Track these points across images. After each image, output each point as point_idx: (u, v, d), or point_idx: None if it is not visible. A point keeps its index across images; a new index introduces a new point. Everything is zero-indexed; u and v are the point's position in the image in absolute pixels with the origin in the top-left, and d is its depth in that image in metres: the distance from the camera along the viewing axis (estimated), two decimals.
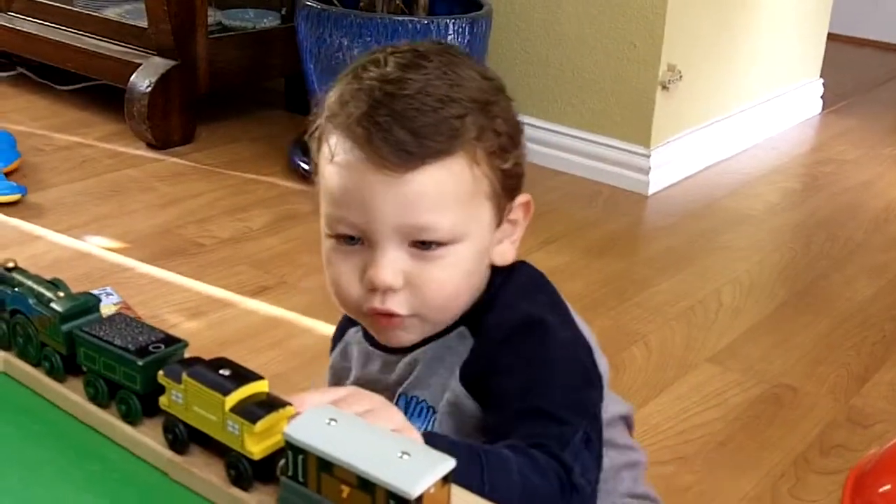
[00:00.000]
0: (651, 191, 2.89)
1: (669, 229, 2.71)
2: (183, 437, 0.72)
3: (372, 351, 1.04)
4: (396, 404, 0.99)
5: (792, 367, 2.08)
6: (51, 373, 0.81)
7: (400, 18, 2.63)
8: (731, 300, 2.34)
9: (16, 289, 0.82)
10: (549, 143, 3.00)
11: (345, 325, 1.10)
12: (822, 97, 3.73)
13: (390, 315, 0.94)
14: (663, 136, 2.92)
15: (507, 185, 0.96)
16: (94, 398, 0.78)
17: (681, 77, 2.87)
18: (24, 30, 3.26)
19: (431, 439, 0.77)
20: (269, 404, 0.70)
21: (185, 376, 0.71)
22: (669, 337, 2.16)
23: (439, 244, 0.92)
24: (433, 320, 0.96)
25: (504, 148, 0.95)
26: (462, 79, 0.93)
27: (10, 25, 3.30)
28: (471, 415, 0.96)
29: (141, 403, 0.75)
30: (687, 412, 1.91)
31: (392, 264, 0.92)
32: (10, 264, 0.85)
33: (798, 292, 2.41)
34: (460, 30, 2.63)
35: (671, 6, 2.78)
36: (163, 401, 0.73)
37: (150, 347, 0.75)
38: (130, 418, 0.75)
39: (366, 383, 1.02)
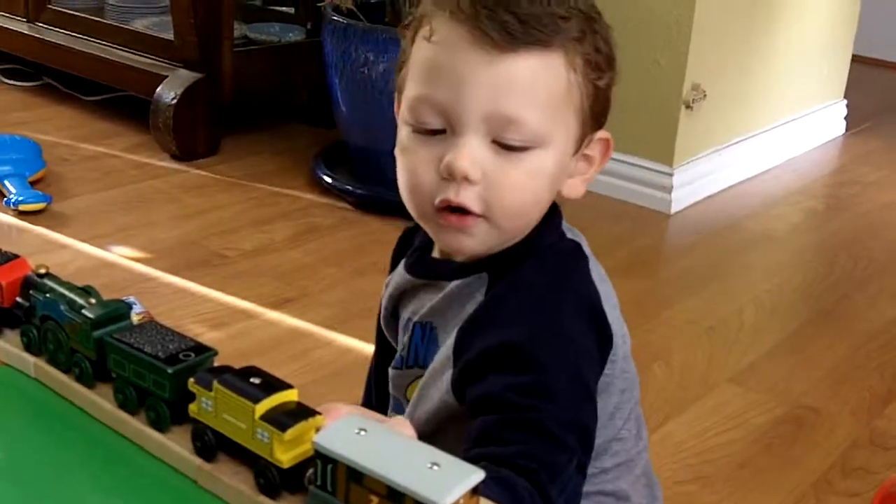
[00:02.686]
0: (674, 210, 2.88)
1: (692, 248, 2.71)
2: (212, 445, 0.73)
3: (404, 273, 1.03)
4: (412, 331, 0.99)
5: (814, 388, 2.07)
6: (80, 379, 0.81)
7: None
8: (754, 320, 2.33)
9: (47, 294, 0.83)
10: None
11: (399, 250, 1.09)
12: (845, 118, 3.72)
13: (461, 213, 0.91)
14: (687, 155, 2.92)
15: (595, 107, 0.94)
16: (124, 405, 0.78)
17: (705, 96, 2.87)
18: (51, 40, 3.29)
19: None
20: (299, 413, 0.70)
21: (216, 384, 0.71)
22: (691, 356, 2.16)
23: (523, 148, 0.89)
24: (502, 227, 0.93)
25: (600, 65, 0.92)
26: None
27: (38, 36, 3.33)
28: (445, 390, 0.94)
29: (170, 410, 0.75)
30: (708, 432, 1.90)
31: (473, 152, 0.89)
32: (43, 270, 0.85)
33: (820, 313, 2.40)
34: None
35: (696, 25, 2.78)
36: (192, 408, 0.73)
37: (180, 356, 0.76)
38: (159, 425, 0.76)
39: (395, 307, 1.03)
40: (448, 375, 0.93)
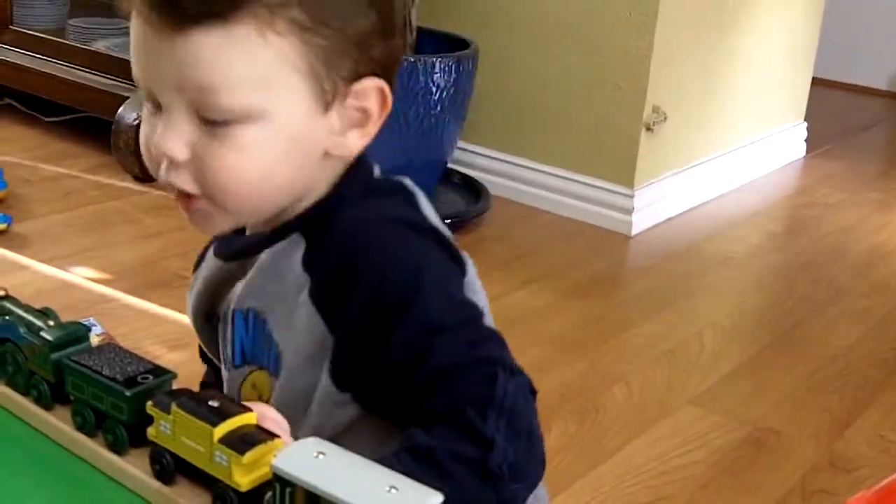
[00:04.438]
0: (634, 231, 2.90)
1: (651, 270, 2.73)
2: (170, 468, 0.73)
3: (213, 260, 0.97)
4: (233, 323, 0.93)
5: (774, 411, 2.08)
6: (39, 401, 0.81)
7: None
8: (713, 343, 2.35)
9: (6, 317, 0.82)
10: (532, 182, 3.02)
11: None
12: (806, 141, 3.76)
13: (185, 196, 0.87)
14: (647, 177, 2.94)
15: (336, 61, 0.85)
16: (82, 427, 0.78)
17: (665, 119, 2.90)
18: (13, 61, 3.27)
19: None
20: (258, 437, 0.70)
21: (174, 407, 0.71)
22: (651, 378, 2.17)
23: (227, 122, 0.83)
24: (231, 209, 0.88)
25: (321, 21, 0.83)
26: None
27: (1, 58, 3.31)
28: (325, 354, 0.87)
29: (128, 433, 0.75)
30: (668, 454, 1.91)
31: (175, 130, 0.84)
32: (1, 293, 0.85)
33: (780, 336, 2.42)
34: (446, 69, 2.65)
35: (657, 48, 2.81)
36: (150, 431, 0.73)
37: (139, 378, 0.76)
38: (117, 448, 0.76)
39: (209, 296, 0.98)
40: (327, 356, 0.86)
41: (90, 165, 3.03)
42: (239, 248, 0.94)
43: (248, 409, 0.71)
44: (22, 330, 0.81)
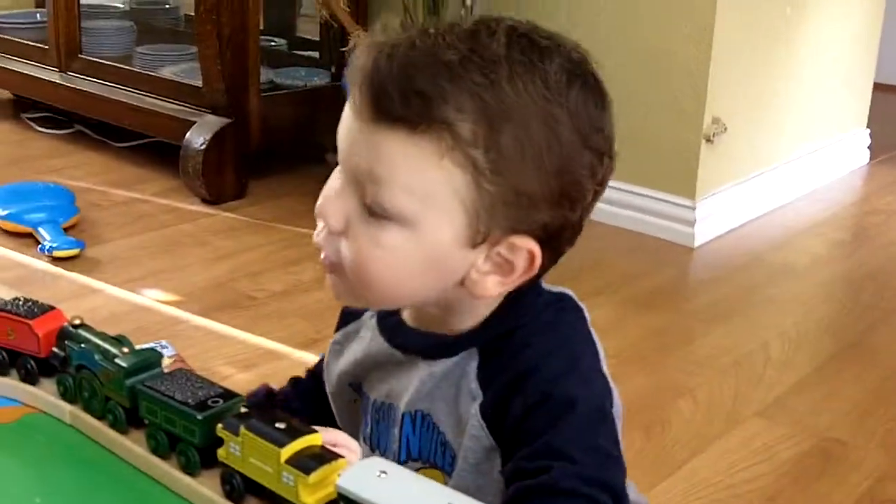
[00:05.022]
0: (697, 243, 2.90)
1: (715, 282, 2.72)
2: (240, 488, 0.75)
3: (378, 338, 1.00)
4: (401, 423, 0.97)
5: (841, 421, 2.07)
6: (114, 425, 0.84)
7: None
8: (779, 353, 2.34)
9: (82, 345, 0.86)
10: None
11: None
12: (869, 147, 3.72)
13: (328, 262, 0.91)
14: (708, 189, 2.94)
15: (499, 210, 0.87)
16: (156, 450, 0.81)
17: (725, 130, 2.89)
18: (83, 89, 3.35)
19: None
20: (323, 457, 0.73)
21: (242, 429, 0.74)
22: (717, 390, 2.17)
23: (383, 216, 0.87)
24: (358, 293, 0.92)
25: (495, 170, 0.85)
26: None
27: (69, 85, 3.40)
28: (494, 461, 0.92)
29: (199, 455, 0.78)
30: (735, 466, 1.91)
31: (342, 200, 0.89)
32: (77, 321, 0.89)
33: (847, 345, 2.40)
34: None
35: (715, 59, 2.80)
36: (221, 453, 0.76)
37: (209, 402, 0.79)
38: (189, 469, 0.79)
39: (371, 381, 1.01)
40: (496, 463, 0.92)
41: (160, 189, 3.10)
42: (413, 344, 0.98)
43: (314, 431, 0.74)
44: (97, 357, 0.84)
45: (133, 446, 0.82)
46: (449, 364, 0.94)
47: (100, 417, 0.85)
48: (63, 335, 0.89)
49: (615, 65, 2.93)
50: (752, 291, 2.67)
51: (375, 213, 0.87)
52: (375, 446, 1.00)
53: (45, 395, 0.89)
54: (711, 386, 2.18)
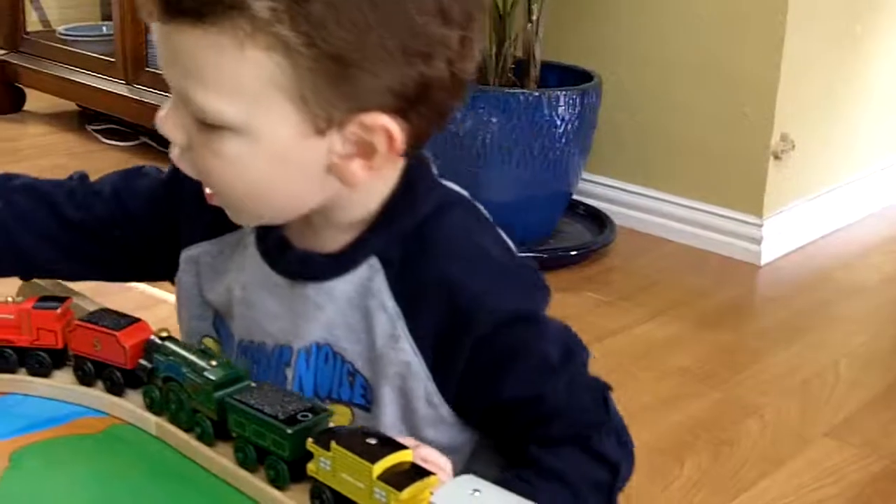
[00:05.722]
0: (763, 261, 2.87)
1: (782, 300, 2.69)
2: (330, 503, 0.75)
3: (261, 266, 0.93)
4: (295, 359, 0.91)
5: None
6: (201, 438, 0.84)
7: (512, 91, 2.68)
8: (848, 373, 2.31)
9: (170, 357, 0.86)
10: (658, 211, 3.01)
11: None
12: None
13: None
14: (776, 206, 2.91)
15: (331, 90, 0.79)
16: (244, 463, 0.81)
17: (794, 147, 2.86)
18: (149, 101, 3.39)
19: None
20: (415, 473, 0.72)
21: (333, 444, 0.74)
22: (785, 410, 2.14)
23: (215, 126, 0.81)
24: (229, 207, 0.88)
25: (313, 45, 0.76)
26: None
27: (136, 97, 3.43)
28: (426, 398, 0.89)
29: (289, 469, 0.78)
30: (804, 488, 1.89)
31: (173, 113, 0.84)
32: (164, 333, 0.89)
33: None
34: (571, 101, 2.67)
35: (784, 75, 2.78)
36: (310, 467, 0.76)
37: (299, 416, 0.79)
38: (278, 483, 0.79)
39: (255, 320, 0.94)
40: (422, 388, 0.89)
41: None
42: (300, 268, 0.91)
43: (406, 447, 0.74)
44: (185, 369, 0.85)
45: (221, 459, 0.82)
46: (349, 282, 0.89)
47: (187, 430, 0.86)
48: (150, 347, 0.89)
49: (682, 80, 2.93)
50: (821, 310, 2.63)
51: (206, 123, 0.81)
52: None
53: (131, 406, 0.90)
54: (779, 406, 2.16)
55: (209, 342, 1.00)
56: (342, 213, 0.89)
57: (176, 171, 0.91)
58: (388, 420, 0.90)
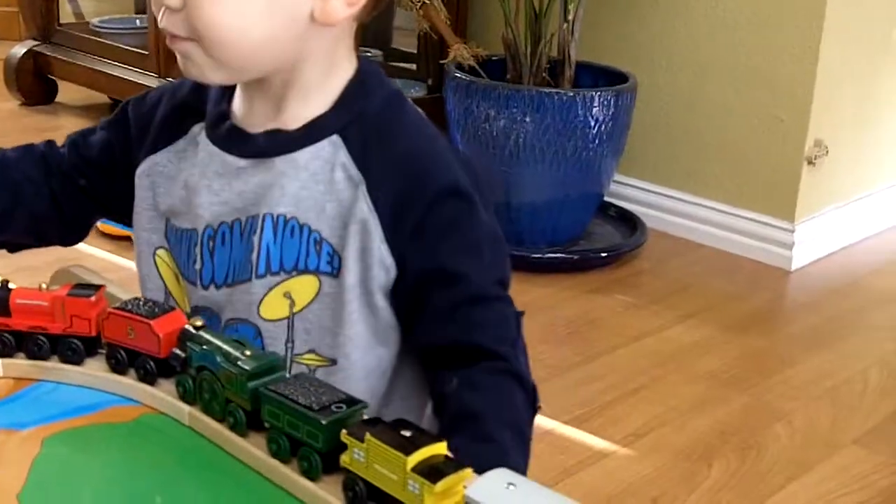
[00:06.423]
0: (794, 266, 2.85)
1: (813, 306, 2.67)
2: (362, 495, 0.75)
3: (218, 154, 1.01)
4: (262, 226, 0.98)
5: None
6: (234, 428, 0.84)
7: (546, 91, 2.67)
8: (878, 381, 2.29)
9: (203, 346, 0.86)
10: (690, 215, 3.00)
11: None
12: None
13: (176, 38, 0.94)
14: (808, 211, 2.89)
15: None
16: (277, 454, 0.81)
17: (827, 152, 2.85)
18: None
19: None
20: (449, 466, 0.72)
21: (368, 435, 0.74)
22: (814, 417, 2.13)
23: None
24: (216, 56, 0.94)
25: None
26: None
27: None
28: (380, 259, 0.96)
29: (322, 460, 0.78)
30: (832, 493, 1.88)
31: None
32: (199, 323, 0.89)
33: None
34: (605, 102, 2.66)
35: (819, 80, 2.76)
36: (344, 458, 0.76)
37: (333, 407, 0.78)
38: (311, 475, 0.78)
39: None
40: (377, 248, 0.96)
41: None
42: (269, 145, 0.99)
43: (440, 439, 0.73)
44: (219, 359, 0.85)
45: (254, 449, 0.82)
46: (314, 155, 0.97)
47: (220, 419, 0.86)
48: (184, 336, 0.89)
49: (717, 83, 2.91)
50: (851, 317, 2.62)
51: None
52: (211, 279, 1.01)
53: (163, 395, 0.90)
54: (808, 412, 2.14)
55: (162, 253, 1.06)
56: (304, 88, 0.98)
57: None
58: (350, 281, 0.96)
